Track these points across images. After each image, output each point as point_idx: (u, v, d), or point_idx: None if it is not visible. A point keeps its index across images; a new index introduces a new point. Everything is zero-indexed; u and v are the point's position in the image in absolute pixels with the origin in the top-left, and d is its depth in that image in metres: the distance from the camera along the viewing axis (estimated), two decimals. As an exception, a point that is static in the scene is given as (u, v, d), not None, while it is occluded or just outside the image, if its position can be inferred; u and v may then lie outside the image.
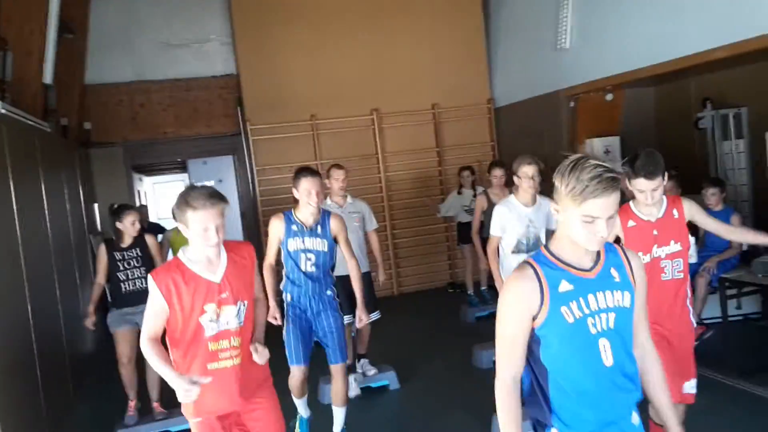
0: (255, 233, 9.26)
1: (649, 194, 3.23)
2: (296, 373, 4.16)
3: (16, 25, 5.87)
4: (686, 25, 6.24)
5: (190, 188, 2.74)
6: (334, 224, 4.21)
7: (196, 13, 9.27)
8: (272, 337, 3.39)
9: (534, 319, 1.96)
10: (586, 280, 1.98)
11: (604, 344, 1.97)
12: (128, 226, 4.97)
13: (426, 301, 8.95)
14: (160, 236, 8.72)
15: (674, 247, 3.31)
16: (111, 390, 6.01)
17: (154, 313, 2.74)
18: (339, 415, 4.36)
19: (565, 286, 1.97)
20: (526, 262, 2.02)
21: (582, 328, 1.96)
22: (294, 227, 4.13)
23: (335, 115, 9.15)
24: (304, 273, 4.15)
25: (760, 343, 5.46)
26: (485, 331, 6.46)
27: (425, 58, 9.46)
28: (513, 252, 4.47)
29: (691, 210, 3.38)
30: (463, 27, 9.64)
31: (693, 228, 5.78)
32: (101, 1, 8.72)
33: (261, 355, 2.87)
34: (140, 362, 4.95)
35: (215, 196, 2.67)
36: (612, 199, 1.88)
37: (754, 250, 5.75)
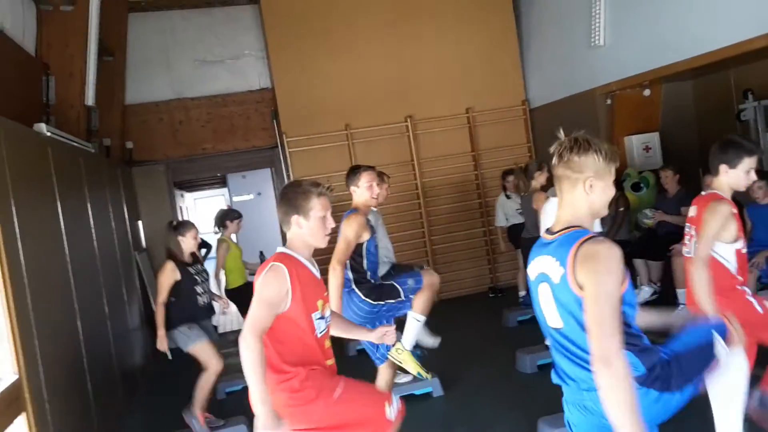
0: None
1: (753, 173, 3.26)
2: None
3: (56, 49, 6.08)
4: (723, 15, 6.10)
5: (294, 183, 2.87)
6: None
7: (229, 29, 9.43)
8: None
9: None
10: None
11: None
12: (191, 240, 5.08)
13: (467, 307, 8.90)
14: (203, 251, 8.93)
15: None
16: (161, 402, 6.13)
17: (271, 304, 2.63)
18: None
19: None
20: (597, 236, 2.18)
21: None
22: (370, 223, 4.27)
23: (369, 124, 9.20)
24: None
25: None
26: (528, 335, 6.42)
27: (457, 62, 9.45)
28: None
29: None
30: (494, 28, 9.60)
31: (742, 221, 5.65)
32: (138, 23, 8.96)
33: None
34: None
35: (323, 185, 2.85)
36: None
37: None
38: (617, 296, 2.07)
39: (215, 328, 5.50)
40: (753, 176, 3.26)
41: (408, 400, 5.35)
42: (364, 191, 4.18)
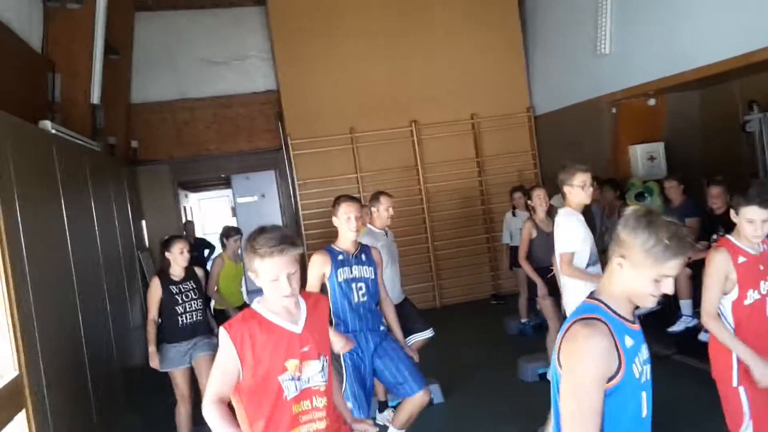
0: (297, 246, 9.33)
1: (760, 225, 3.06)
2: None
3: (63, 47, 6.08)
4: (728, 26, 6.10)
5: (260, 231, 2.38)
6: (375, 254, 4.15)
7: (235, 30, 9.45)
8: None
9: (609, 380, 1.85)
10: (638, 333, 1.96)
11: (644, 395, 1.95)
12: (177, 255, 4.85)
13: (469, 313, 8.88)
14: (206, 251, 8.94)
15: None
16: (160, 400, 6.12)
17: (222, 371, 2.39)
18: None
19: (629, 341, 1.91)
20: (593, 318, 1.90)
21: (641, 383, 1.93)
22: (340, 257, 3.98)
23: (374, 128, 9.20)
24: (357, 306, 3.97)
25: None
26: (530, 343, 6.41)
27: (462, 68, 9.45)
28: (590, 265, 4.17)
29: None
30: (500, 34, 9.60)
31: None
32: (144, 22, 8.98)
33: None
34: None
35: (285, 242, 2.33)
36: (685, 258, 1.87)
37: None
38: (592, 391, 1.82)
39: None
40: (758, 228, 3.06)
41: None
42: (342, 222, 4.00)
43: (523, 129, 9.77)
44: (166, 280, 4.89)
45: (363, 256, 4.06)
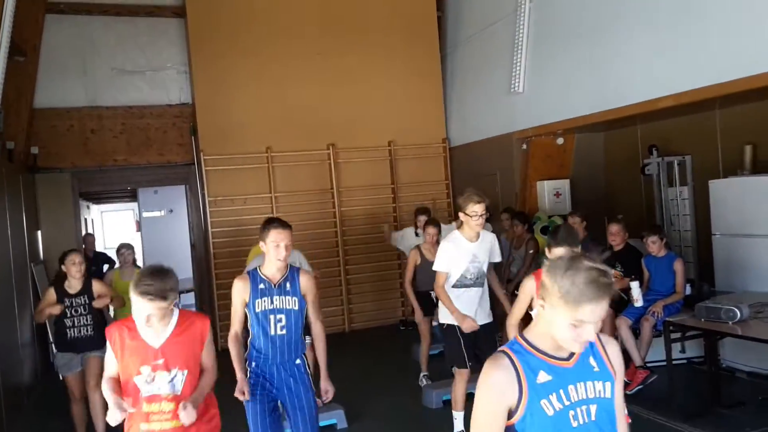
0: (204, 265, 9.10)
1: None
2: None
3: (-37, 45, 5.73)
4: (633, 74, 6.48)
5: (141, 273, 2.87)
6: (303, 281, 3.78)
7: (152, 40, 9.18)
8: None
9: (511, 412, 1.84)
10: (565, 370, 1.90)
11: None
12: (69, 266, 4.95)
13: (377, 338, 8.88)
14: (105, 266, 8.54)
15: None
16: (47, 425, 5.76)
17: (110, 358, 3.02)
18: None
19: (543, 376, 1.86)
20: (501, 351, 1.91)
21: (563, 421, 1.86)
22: (261, 285, 3.69)
23: (291, 149, 9.14)
24: (273, 338, 3.70)
25: (702, 387, 5.57)
26: (436, 370, 6.46)
27: (382, 96, 9.56)
28: (455, 286, 4.60)
29: None
30: (420, 66, 9.80)
31: (639, 272, 5.89)
32: (55, 24, 8.59)
33: (186, 414, 2.85)
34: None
35: (149, 293, 2.78)
36: (605, 304, 1.80)
37: (698, 295, 5.90)
38: (484, 417, 1.85)
39: None
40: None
41: None
42: (270, 249, 3.68)
43: (438, 159, 9.97)
44: (60, 292, 4.99)
45: (288, 285, 3.74)
